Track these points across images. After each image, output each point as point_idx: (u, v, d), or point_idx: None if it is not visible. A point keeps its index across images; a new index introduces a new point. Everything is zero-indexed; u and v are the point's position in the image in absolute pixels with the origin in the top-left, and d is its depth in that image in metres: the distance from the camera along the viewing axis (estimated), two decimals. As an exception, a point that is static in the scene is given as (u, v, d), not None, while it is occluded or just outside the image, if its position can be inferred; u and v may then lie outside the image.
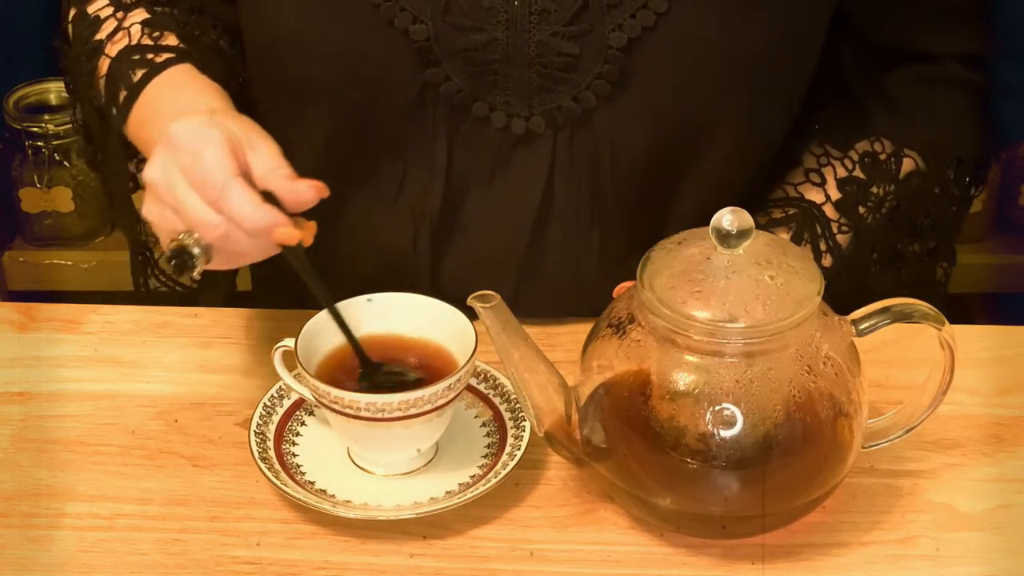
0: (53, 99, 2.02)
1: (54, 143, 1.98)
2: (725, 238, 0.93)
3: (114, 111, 1.13)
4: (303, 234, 0.97)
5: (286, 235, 0.96)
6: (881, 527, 0.99)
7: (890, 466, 1.03)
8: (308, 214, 1.16)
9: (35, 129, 1.98)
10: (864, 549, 0.97)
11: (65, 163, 1.99)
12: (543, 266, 1.18)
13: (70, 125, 1.96)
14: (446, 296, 1.04)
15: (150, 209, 0.99)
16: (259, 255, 0.99)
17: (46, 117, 1.98)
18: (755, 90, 1.14)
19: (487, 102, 1.12)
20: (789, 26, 1.13)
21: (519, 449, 1.01)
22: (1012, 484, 1.02)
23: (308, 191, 0.97)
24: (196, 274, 0.97)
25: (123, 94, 1.12)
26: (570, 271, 1.18)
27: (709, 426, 0.92)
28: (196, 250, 0.96)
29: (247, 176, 0.97)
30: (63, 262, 2.03)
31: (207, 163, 0.96)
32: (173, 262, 0.97)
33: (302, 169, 1.22)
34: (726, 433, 0.92)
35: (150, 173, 0.98)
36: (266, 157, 0.98)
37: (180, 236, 0.97)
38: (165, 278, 1.22)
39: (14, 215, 2.03)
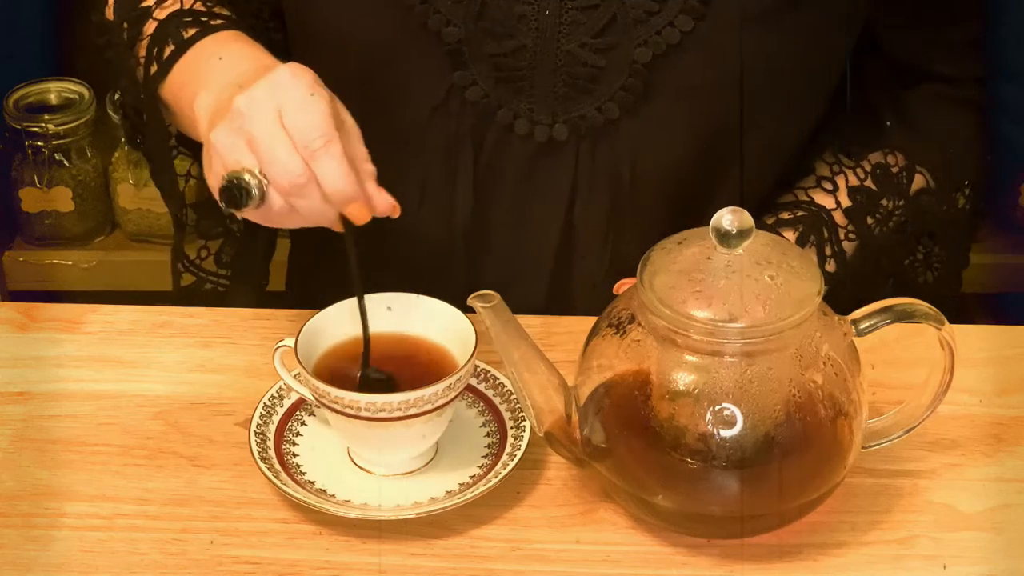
0: (53, 99, 2.02)
1: (54, 143, 1.98)
2: (725, 238, 0.93)
3: (154, 69, 1.12)
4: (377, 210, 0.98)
5: (360, 212, 0.97)
6: (881, 527, 0.99)
7: (890, 466, 1.03)
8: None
9: (35, 129, 1.97)
10: (864, 549, 0.97)
11: (65, 163, 1.98)
12: (571, 273, 1.19)
13: (70, 125, 1.97)
14: None
15: (221, 136, 0.97)
16: (306, 222, 0.98)
17: (46, 117, 1.98)
18: (777, 107, 1.14)
19: (511, 109, 1.13)
20: (813, 48, 1.14)
21: (519, 449, 1.01)
22: (1012, 484, 1.02)
23: (384, 204, 0.98)
24: (241, 214, 0.97)
25: (169, 49, 1.11)
26: (594, 279, 1.19)
27: (709, 426, 0.92)
28: (254, 188, 0.96)
29: None
30: (63, 262, 2.02)
31: (317, 115, 0.96)
32: (227, 193, 0.96)
33: None
34: (726, 433, 0.92)
35: (239, 102, 0.97)
36: (355, 140, 0.99)
37: (241, 169, 0.96)
38: (195, 268, 1.23)
39: (14, 215, 2.02)
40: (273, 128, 0.96)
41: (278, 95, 0.96)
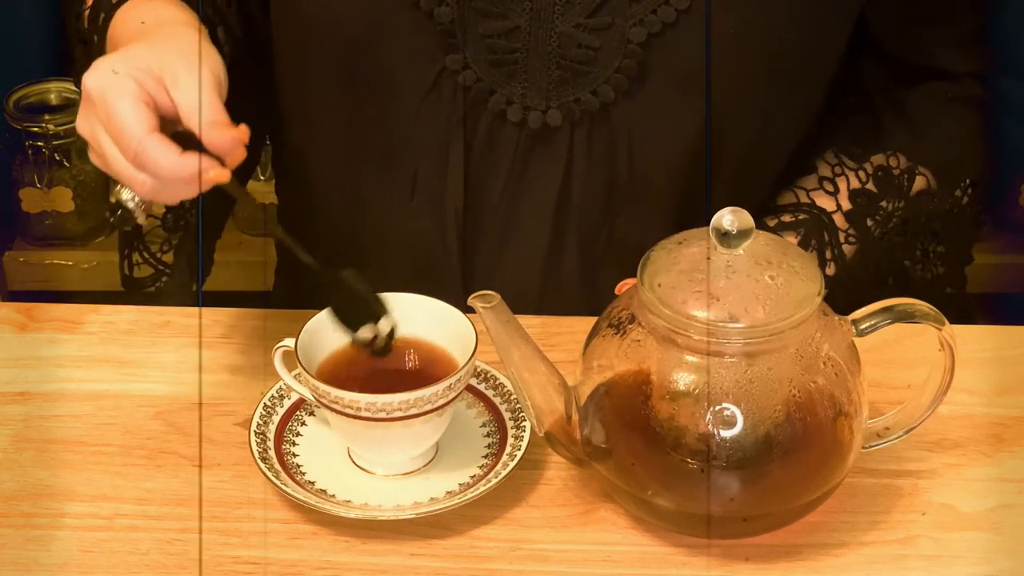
0: (53, 99, 2.02)
1: (54, 143, 1.98)
2: (725, 238, 0.93)
3: (95, 40, 1.11)
4: (230, 164, 0.95)
5: (217, 177, 0.94)
6: (881, 527, 0.99)
7: (890, 466, 1.03)
8: (328, 206, 1.14)
9: (35, 129, 1.98)
10: (864, 549, 0.97)
11: (65, 163, 1.99)
12: (564, 262, 1.18)
13: (70, 125, 1.96)
14: None
15: (93, 159, 0.97)
16: (196, 192, 0.96)
17: (46, 117, 1.98)
18: (772, 90, 1.14)
19: (504, 95, 1.12)
20: (808, 27, 1.13)
21: (519, 449, 1.01)
22: (1012, 484, 1.02)
23: (225, 142, 0.94)
24: (141, 222, 0.97)
25: (102, 16, 1.10)
26: (589, 267, 1.18)
27: (709, 426, 0.92)
28: (131, 203, 0.97)
29: (171, 115, 0.94)
30: (63, 262, 2.03)
31: (121, 120, 0.93)
32: (113, 217, 0.97)
33: (325, 161, 1.21)
34: (726, 433, 0.92)
35: (79, 127, 0.97)
36: (189, 93, 0.95)
37: (117, 189, 0.97)
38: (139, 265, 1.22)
39: (14, 215, 2.03)
40: (106, 144, 0.95)
41: (94, 109, 0.95)
